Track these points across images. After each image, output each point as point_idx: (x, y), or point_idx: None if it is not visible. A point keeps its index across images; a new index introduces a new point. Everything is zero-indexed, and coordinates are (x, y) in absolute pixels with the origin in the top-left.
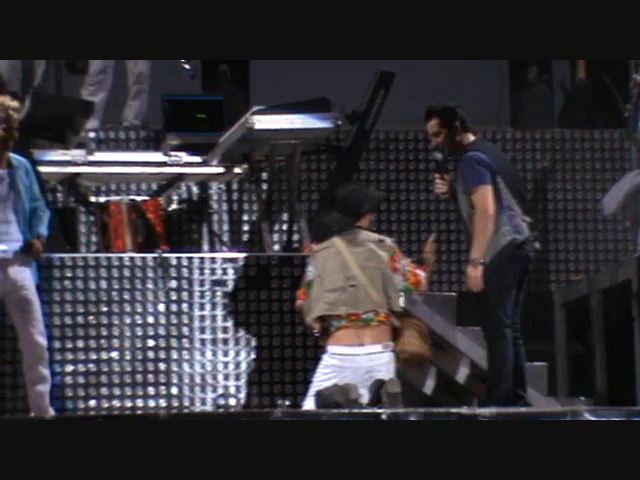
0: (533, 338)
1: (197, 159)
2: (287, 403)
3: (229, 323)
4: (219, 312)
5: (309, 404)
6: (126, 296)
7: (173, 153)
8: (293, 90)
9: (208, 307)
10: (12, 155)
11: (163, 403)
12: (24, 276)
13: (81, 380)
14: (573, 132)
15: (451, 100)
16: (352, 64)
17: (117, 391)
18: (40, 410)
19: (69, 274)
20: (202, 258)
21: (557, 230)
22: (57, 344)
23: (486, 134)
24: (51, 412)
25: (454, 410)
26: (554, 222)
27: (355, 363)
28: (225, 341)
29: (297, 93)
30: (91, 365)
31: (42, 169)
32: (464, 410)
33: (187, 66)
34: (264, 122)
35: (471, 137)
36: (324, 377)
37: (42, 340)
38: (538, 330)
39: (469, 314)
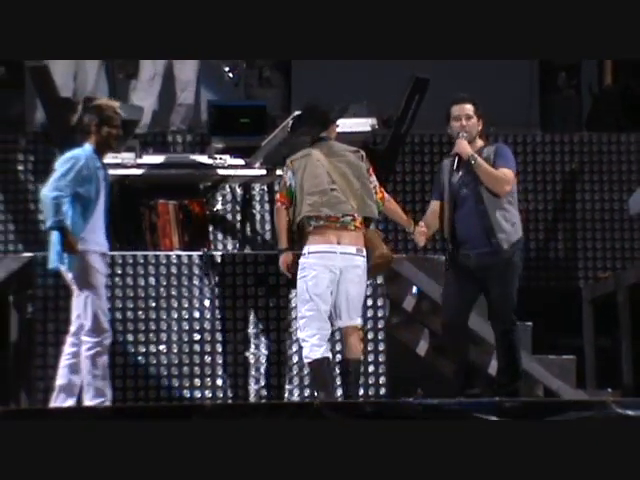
0: (562, 333)
1: (240, 161)
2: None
3: (271, 317)
4: (261, 307)
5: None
6: (173, 292)
7: (218, 156)
8: (332, 95)
9: (250, 302)
10: None
11: (208, 394)
12: None
13: (130, 372)
14: (600, 135)
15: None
16: (390, 70)
17: (165, 382)
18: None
19: (119, 271)
20: (245, 256)
21: (585, 229)
22: None
23: (517, 137)
24: None
25: (485, 400)
26: (582, 222)
27: (332, 261)
28: (267, 334)
29: (336, 98)
30: (140, 358)
31: None
32: (496, 399)
33: (231, 74)
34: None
35: (481, 141)
36: (305, 278)
37: None
38: (567, 325)
39: None
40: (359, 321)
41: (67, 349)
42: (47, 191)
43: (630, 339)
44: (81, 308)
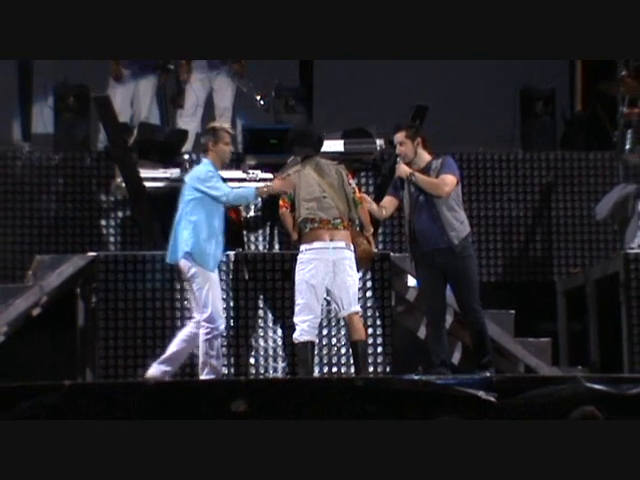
0: (540, 319)
1: (270, 175)
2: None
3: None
4: (287, 298)
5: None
6: None
7: (250, 171)
8: (347, 120)
9: (279, 293)
10: None
11: (244, 370)
12: None
13: None
14: (572, 154)
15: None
16: (395, 99)
17: None
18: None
19: (169, 268)
20: (273, 255)
21: (559, 232)
22: (159, 323)
23: (501, 155)
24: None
25: (476, 376)
26: (556, 226)
27: (325, 255)
28: (293, 322)
29: (350, 123)
30: None
31: (147, 184)
32: (486, 375)
33: (262, 102)
34: (323, 146)
35: (429, 156)
36: (303, 271)
37: None
38: (544, 313)
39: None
40: (358, 307)
41: (186, 329)
42: (222, 193)
43: (597, 324)
44: (201, 299)
